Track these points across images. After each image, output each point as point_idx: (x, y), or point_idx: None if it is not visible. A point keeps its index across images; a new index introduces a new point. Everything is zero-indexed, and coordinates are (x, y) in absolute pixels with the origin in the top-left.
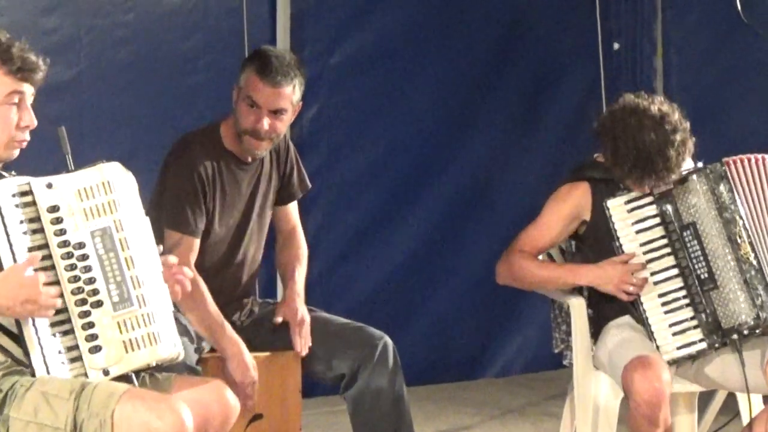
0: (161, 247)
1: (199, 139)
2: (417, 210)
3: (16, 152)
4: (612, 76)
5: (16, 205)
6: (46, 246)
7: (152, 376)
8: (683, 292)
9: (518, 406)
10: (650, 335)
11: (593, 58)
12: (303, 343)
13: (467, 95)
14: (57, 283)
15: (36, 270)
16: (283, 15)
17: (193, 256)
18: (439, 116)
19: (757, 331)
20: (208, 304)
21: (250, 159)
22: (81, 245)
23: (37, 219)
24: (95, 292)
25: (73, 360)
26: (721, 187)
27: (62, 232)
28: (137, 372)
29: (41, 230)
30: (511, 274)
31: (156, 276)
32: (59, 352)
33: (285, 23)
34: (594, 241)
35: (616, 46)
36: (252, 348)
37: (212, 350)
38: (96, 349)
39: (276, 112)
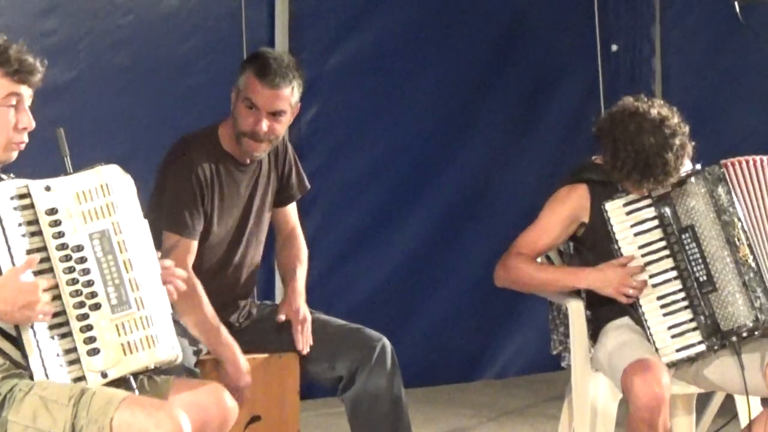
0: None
1: (197, 140)
2: (417, 210)
3: (15, 154)
4: (611, 78)
5: (14, 208)
6: (44, 249)
7: (150, 379)
8: (682, 295)
9: (517, 408)
10: (649, 337)
11: (592, 59)
12: (305, 340)
13: (467, 95)
14: (55, 287)
15: (34, 273)
16: (281, 16)
17: (191, 258)
18: (439, 116)
19: (756, 333)
20: (205, 308)
21: (248, 161)
22: (79, 248)
23: (35, 222)
24: (93, 294)
25: (71, 363)
26: (720, 190)
27: (60, 234)
28: (135, 374)
29: (39, 233)
30: (510, 277)
31: (154, 278)
32: (57, 355)
33: (283, 24)
34: (592, 243)
35: (614, 47)
36: (250, 349)
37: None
38: (94, 352)
39: (275, 114)
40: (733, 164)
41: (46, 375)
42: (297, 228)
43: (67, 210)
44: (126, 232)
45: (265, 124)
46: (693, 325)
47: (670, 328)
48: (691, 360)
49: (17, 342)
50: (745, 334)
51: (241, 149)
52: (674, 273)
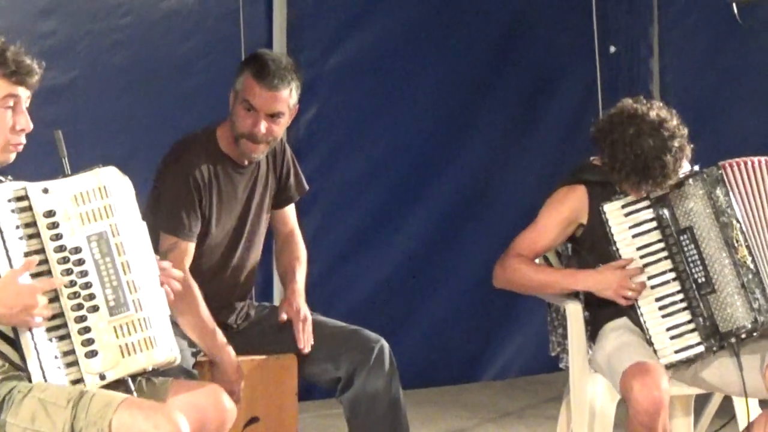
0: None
1: (195, 142)
2: (417, 210)
3: (12, 156)
4: (609, 79)
5: (12, 210)
6: (42, 251)
7: (149, 381)
8: (680, 296)
9: (516, 409)
10: (648, 339)
11: (591, 60)
12: (306, 339)
13: (467, 95)
14: (53, 289)
15: (32, 275)
16: (279, 17)
17: (188, 260)
18: (439, 116)
19: (755, 334)
20: (201, 309)
21: (246, 162)
22: (77, 250)
23: (33, 224)
24: (91, 296)
25: (69, 365)
26: (718, 191)
27: (58, 237)
28: (134, 376)
29: (37, 235)
30: (508, 278)
31: (152, 280)
32: (55, 357)
33: (281, 26)
34: (591, 244)
35: (612, 49)
36: (249, 351)
37: None
38: (92, 354)
39: (273, 116)
40: (731, 166)
41: (44, 377)
42: (296, 230)
43: (65, 212)
44: (124, 234)
45: (263, 126)
46: (692, 326)
47: (668, 329)
48: (689, 361)
49: (15, 344)
50: (743, 336)
51: (239, 151)
52: (673, 274)
